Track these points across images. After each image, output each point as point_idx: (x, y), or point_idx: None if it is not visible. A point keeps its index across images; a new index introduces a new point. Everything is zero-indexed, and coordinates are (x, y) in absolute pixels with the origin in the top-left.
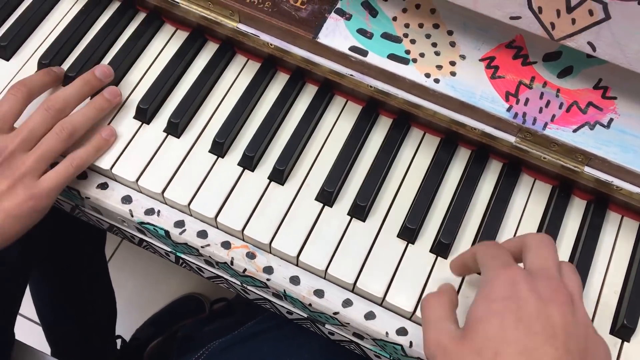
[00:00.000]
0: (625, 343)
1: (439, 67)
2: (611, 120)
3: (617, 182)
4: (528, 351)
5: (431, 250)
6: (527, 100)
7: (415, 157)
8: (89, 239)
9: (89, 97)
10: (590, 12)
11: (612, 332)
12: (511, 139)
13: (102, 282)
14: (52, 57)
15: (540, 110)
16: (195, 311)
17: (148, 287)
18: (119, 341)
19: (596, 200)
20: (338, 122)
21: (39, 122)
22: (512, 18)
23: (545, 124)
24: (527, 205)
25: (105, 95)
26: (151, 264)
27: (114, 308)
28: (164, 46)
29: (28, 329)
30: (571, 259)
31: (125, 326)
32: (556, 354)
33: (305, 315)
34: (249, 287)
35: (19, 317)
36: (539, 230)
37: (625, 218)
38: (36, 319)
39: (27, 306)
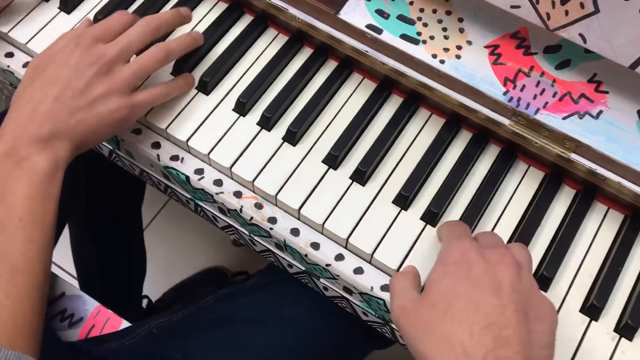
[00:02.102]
0: (593, 322)
1: (446, 49)
2: (600, 112)
3: (600, 170)
4: (475, 301)
5: (421, 218)
6: (523, 86)
7: (420, 134)
8: (129, 193)
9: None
10: (582, 5)
11: (582, 310)
12: (506, 121)
13: (136, 239)
14: None
15: (535, 97)
16: (219, 281)
17: (178, 257)
18: (145, 300)
19: (584, 190)
20: (353, 96)
21: (138, 36)
22: (512, 7)
23: (537, 109)
24: (519, 188)
25: (192, 34)
26: (183, 237)
27: (144, 267)
28: (205, 14)
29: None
30: (552, 241)
31: (153, 289)
32: (500, 304)
33: (303, 268)
34: (255, 237)
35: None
36: (525, 212)
37: (611, 210)
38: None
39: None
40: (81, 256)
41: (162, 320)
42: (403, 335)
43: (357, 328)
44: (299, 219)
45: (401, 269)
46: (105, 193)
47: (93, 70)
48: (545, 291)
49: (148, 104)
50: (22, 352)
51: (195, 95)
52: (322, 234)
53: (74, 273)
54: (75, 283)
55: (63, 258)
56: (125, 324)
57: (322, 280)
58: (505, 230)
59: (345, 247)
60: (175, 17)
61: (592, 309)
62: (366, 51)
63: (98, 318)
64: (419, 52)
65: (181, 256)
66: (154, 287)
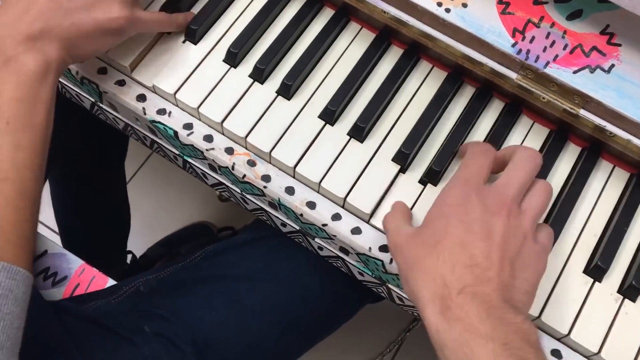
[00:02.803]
0: (596, 283)
1: None
2: (612, 66)
3: (610, 127)
4: (463, 243)
5: (422, 177)
6: (532, 38)
7: (421, 88)
8: (111, 146)
9: None
10: None
11: (586, 271)
12: (513, 75)
13: (119, 193)
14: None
15: (544, 50)
16: (205, 236)
17: (163, 211)
18: (129, 256)
19: (590, 148)
20: (350, 47)
21: None
22: None
23: (547, 63)
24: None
25: None
26: (168, 191)
27: (128, 222)
28: None
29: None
30: (556, 200)
31: (138, 244)
32: (487, 249)
33: (298, 228)
34: (247, 196)
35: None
36: None
37: (616, 168)
38: (46, 222)
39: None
40: (62, 212)
41: (149, 278)
42: (397, 268)
43: (349, 282)
44: (294, 177)
45: (391, 207)
46: (85, 147)
47: None
48: None
49: (147, 23)
50: (9, 263)
51: (182, 45)
52: (318, 192)
53: (57, 229)
54: (59, 240)
55: (45, 214)
56: (111, 282)
57: (317, 240)
58: None
59: (343, 207)
60: None
61: (596, 269)
62: None
63: (83, 276)
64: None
65: (165, 211)
66: (137, 242)
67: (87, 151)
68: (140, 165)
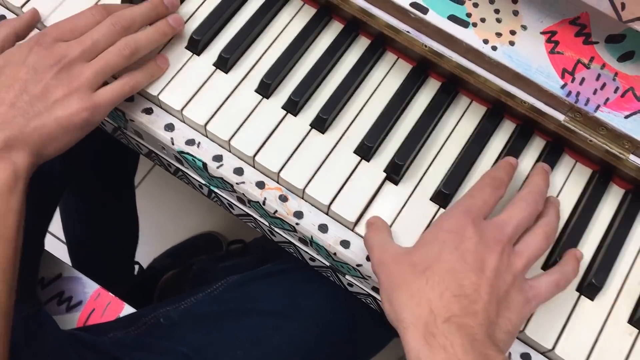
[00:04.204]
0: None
1: (499, 34)
2: None
3: None
4: (454, 271)
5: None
6: (582, 79)
7: (459, 123)
8: (123, 164)
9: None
10: None
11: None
12: (560, 117)
13: (128, 208)
14: None
15: (595, 92)
16: (213, 248)
17: (170, 220)
18: (136, 267)
19: (634, 190)
20: (386, 79)
21: (104, 35)
22: None
23: (598, 106)
24: (565, 186)
25: (169, 21)
26: (176, 197)
27: (136, 234)
28: None
29: (53, 245)
30: (600, 246)
31: (144, 254)
32: (477, 282)
33: (328, 264)
34: (276, 229)
35: (47, 234)
36: (573, 212)
37: None
38: (61, 236)
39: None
40: (71, 227)
41: (169, 309)
42: (379, 284)
43: (377, 317)
44: (327, 214)
45: (368, 223)
46: (103, 167)
47: (52, 71)
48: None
49: (112, 103)
50: None
51: (213, 73)
52: (353, 231)
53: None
54: (67, 254)
55: (54, 226)
56: (127, 308)
57: (347, 277)
58: None
59: None
60: (152, 10)
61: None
62: (408, 31)
63: (98, 301)
64: (469, 36)
65: (172, 220)
66: (143, 251)
67: (100, 169)
68: (146, 174)
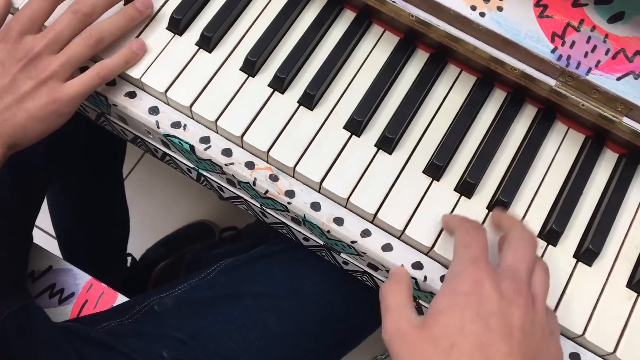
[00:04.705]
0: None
1: (486, 0)
2: None
3: None
4: (483, 346)
5: (455, 189)
6: (573, 43)
7: (449, 94)
8: (109, 153)
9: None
10: None
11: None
12: (551, 82)
13: (117, 198)
14: None
15: (586, 55)
16: (206, 237)
17: (161, 210)
18: (129, 259)
19: (629, 154)
20: (373, 52)
21: (66, 25)
22: None
23: (589, 69)
24: (558, 153)
25: (136, 4)
26: (166, 187)
27: (127, 225)
28: None
29: (43, 241)
30: (595, 212)
31: (136, 246)
32: (509, 352)
33: (322, 243)
34: (267, 210)
35: (35, 229)
36: (567, 179)
37: None
38: (50, 230)
39: (43, 219)
40: (60, 220)
41: (162, 296)
42: (392, 355)
43: (371, 294)
44: (319, 192)
45: (392, 273)
46: (89, 157)
47: (19, 65)
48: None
49: (81, 94)
50: None
51: (196, 53)
52: (346, 207)
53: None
54: (57, 245)
55: (42, 219)
56: (120, 297)
57: (342, 255)
58: (545, 202)
59: (372, 222)
60: None
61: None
62: (393, 1)
63: (91, 292)
64: (456, 3)
65: (162, 210)
66: (135, 243)
67: (86, 158)
68: (135, 165)
